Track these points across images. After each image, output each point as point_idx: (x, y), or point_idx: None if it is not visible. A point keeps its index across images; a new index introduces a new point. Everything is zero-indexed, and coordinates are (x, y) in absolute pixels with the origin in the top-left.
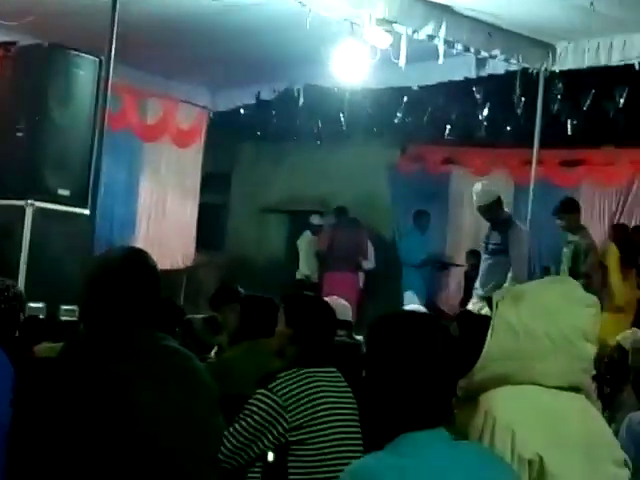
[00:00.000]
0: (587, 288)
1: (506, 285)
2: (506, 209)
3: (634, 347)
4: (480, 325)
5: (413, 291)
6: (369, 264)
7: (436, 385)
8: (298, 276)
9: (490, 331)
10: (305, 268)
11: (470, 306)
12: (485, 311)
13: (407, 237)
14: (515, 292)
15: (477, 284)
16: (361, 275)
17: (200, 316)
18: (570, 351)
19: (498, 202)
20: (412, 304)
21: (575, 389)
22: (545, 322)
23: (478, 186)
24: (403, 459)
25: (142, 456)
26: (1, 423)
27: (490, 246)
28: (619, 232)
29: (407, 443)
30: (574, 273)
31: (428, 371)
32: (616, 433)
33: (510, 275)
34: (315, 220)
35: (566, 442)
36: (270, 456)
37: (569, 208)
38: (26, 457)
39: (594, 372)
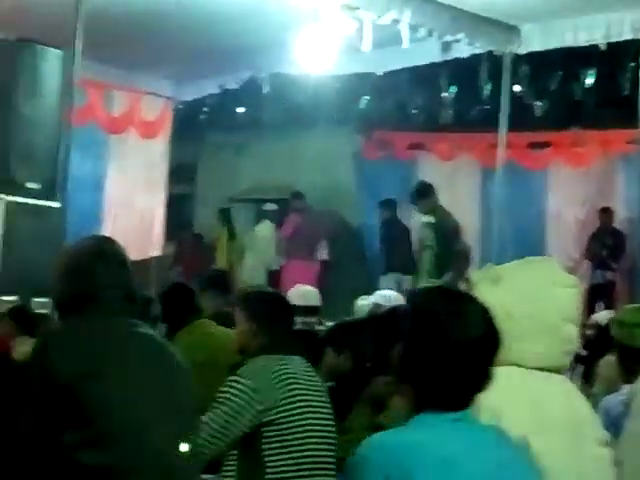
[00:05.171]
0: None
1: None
2: None
3: (617, 319)
4: None
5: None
6: (323, 254)
7: (473, 367)
8: None
9: None
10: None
11: None
12: None
13: None
14: (493, 273)
15: None
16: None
17: None
18: (552, 333)
19: None
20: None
21: (556, 370)
22: (525, 304)
23: None
24: (421, 434)
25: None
26: None
27: None
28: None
29: (426, 421)
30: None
31: (469, 352)
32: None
33: None
34: (268, 207)
35: (551, 424)
36: None
37: (422, 194)
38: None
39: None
